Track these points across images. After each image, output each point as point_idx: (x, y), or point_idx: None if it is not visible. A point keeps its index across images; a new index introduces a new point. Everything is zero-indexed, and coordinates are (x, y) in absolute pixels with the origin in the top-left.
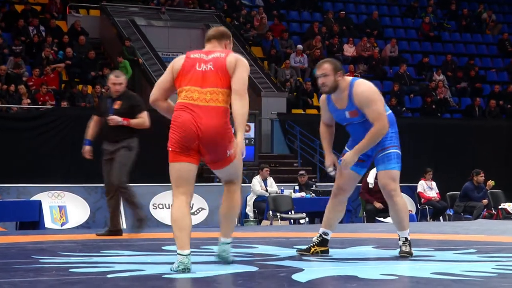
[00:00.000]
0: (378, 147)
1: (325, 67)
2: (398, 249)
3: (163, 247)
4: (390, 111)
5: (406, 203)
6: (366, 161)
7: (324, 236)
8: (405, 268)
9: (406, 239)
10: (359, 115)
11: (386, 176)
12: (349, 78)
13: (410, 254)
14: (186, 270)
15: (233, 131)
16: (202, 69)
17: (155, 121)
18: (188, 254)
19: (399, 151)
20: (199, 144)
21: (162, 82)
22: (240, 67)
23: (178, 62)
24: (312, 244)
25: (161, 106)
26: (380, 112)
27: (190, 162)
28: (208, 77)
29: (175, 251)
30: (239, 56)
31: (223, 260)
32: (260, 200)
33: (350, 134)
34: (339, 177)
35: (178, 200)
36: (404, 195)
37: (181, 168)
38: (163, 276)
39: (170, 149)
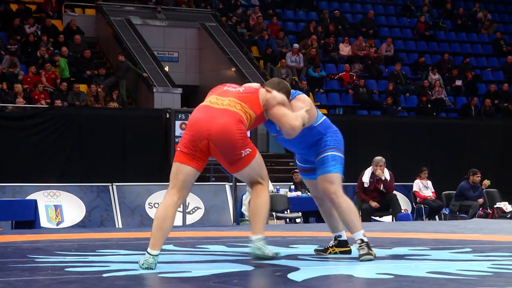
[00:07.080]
0: (315, 153)
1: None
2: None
3: None
4: (324, 117)
5: (351, 203)
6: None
7: (339, 239)
8: (400, 267)
9: (362, 240)
10: None
11: (323, 180)
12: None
13: (370, 255)
14: (149, 269)
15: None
16: (230, 89)
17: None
18: (157, 255)
19: (336, 153)
20: (209, 143)
21: None
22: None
23: None
24: (330, 245)
25: None
26: (303, 116)
27: (192, 167)
28: (233, 93)
29: (172, 250)
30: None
31: (261, 258)
32: None
33: (284, 145)
34: (309, 186)
35: (168, 200)
36: (399, 193)
37: (182, 170)
38: (159, 275)
39: (178, 149)
